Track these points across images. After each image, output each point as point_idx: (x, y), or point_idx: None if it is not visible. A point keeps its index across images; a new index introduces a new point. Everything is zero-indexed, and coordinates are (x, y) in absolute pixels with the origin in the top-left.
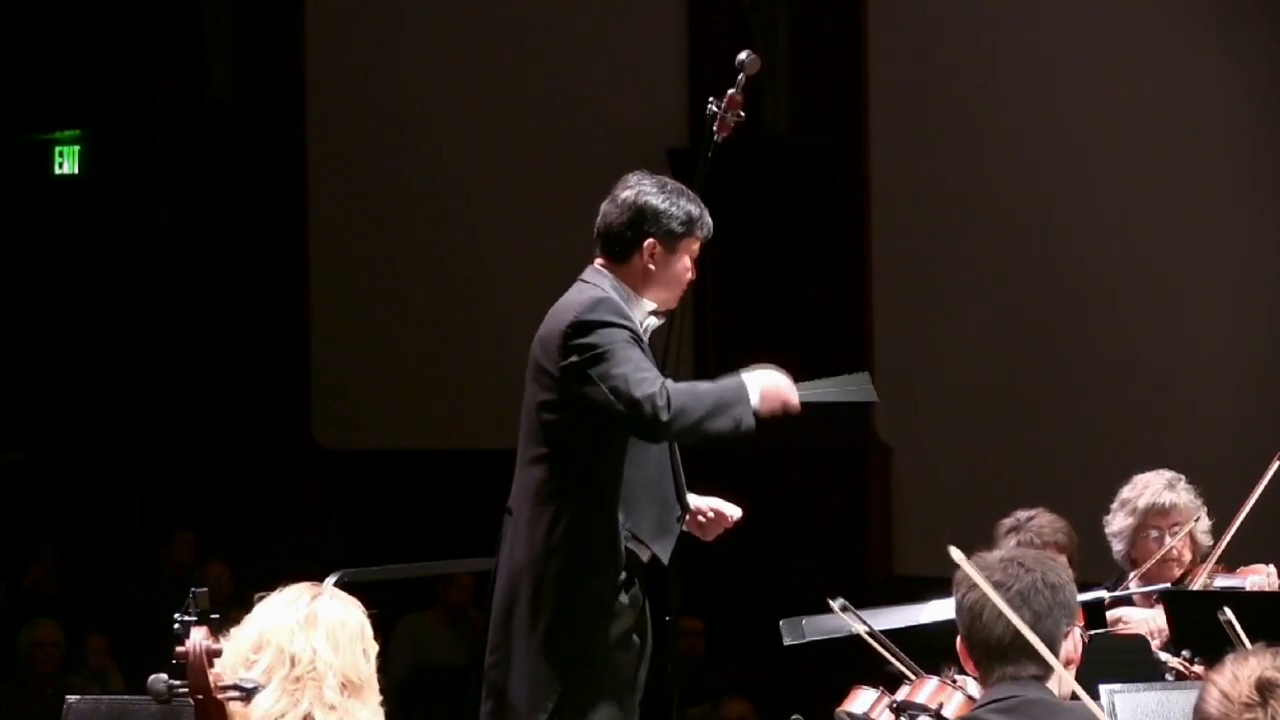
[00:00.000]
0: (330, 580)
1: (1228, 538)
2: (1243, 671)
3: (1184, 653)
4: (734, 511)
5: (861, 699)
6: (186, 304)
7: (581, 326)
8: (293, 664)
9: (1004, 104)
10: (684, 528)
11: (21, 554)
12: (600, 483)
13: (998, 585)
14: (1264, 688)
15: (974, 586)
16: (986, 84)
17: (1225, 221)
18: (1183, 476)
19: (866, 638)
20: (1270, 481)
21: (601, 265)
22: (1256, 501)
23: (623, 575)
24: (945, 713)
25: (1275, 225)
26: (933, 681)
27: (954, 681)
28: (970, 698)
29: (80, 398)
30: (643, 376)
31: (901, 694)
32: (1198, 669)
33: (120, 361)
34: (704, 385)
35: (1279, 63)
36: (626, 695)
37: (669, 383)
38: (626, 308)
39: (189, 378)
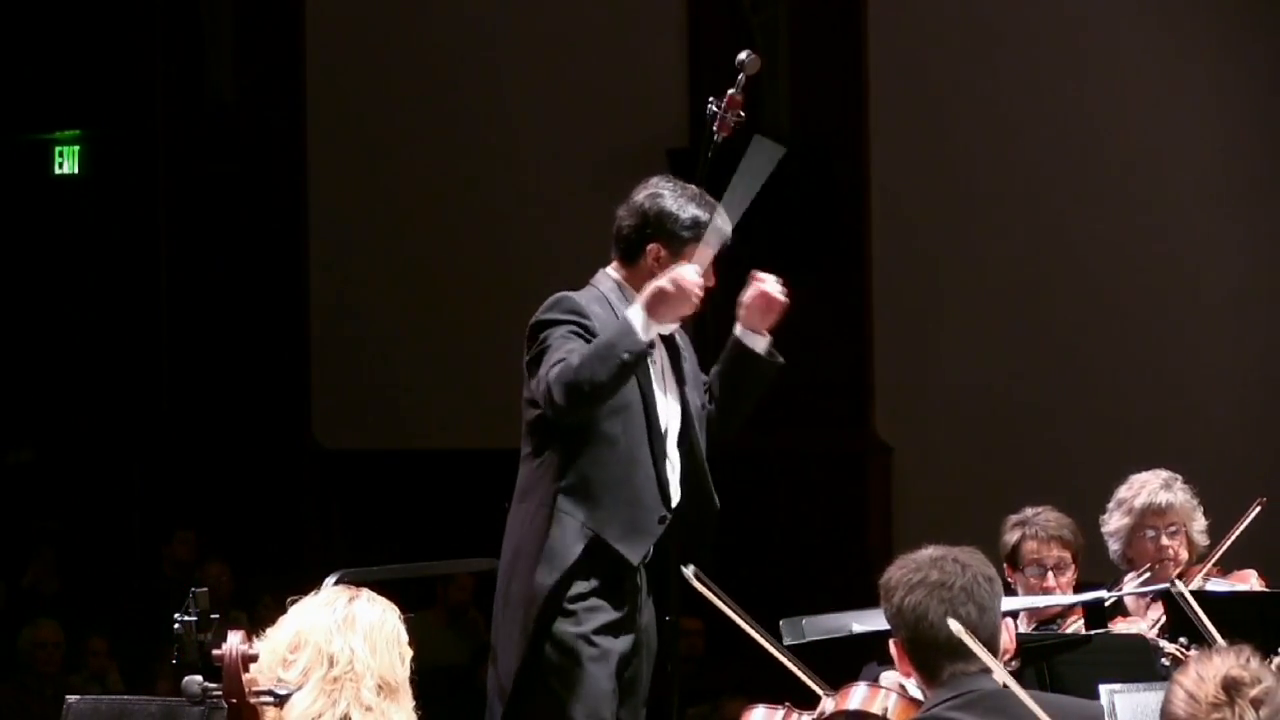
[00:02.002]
0: (330, 580)
1: (1220, 551)
2: (1207, 671)
3: (1181, 639)
4: (770, 282)
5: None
6: (186, 304)
7: (534, 326)
8: (331, 664)
9: (1004, 104)
10: (766, 354)
11: (22, 554)
12: (564, 481)
13: (939, 584)
14: (1230, 686)
15: (912, 589)
16: (986, 84)
17: (1227, 222)
18: (1179, 476)
19: (726, 609)
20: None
21: (614, 267)
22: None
23: (599, 573)
24: (890, 716)
25: (1277, 225)
26: (861, 687)
27: (876, 682)
28: (913, 699)
29: (80, 397)
30: (547, 368)
31: (829, 705)
32: (1192, 654)
33: (120, 361)
34: (585, 345)
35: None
36: (604, 694)
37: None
38: (615, 308)
39: (189, 378)
